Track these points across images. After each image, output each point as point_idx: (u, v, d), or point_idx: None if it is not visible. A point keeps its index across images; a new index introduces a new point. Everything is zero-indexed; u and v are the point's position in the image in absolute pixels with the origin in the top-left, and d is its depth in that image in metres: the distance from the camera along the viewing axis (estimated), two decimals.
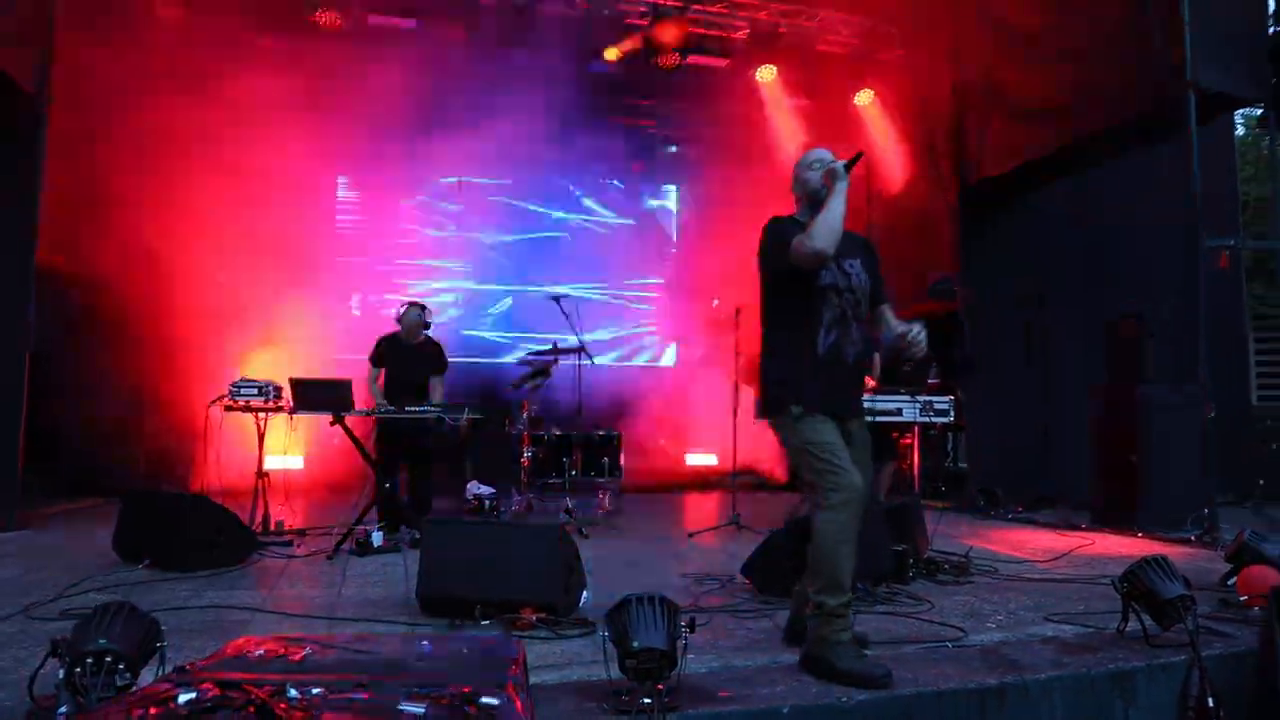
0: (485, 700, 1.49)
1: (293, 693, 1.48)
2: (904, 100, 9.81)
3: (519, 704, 1.55)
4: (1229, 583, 4.22)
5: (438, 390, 6.44)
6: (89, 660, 2.22)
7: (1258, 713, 3.12)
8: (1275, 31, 6.59)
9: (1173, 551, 5.60)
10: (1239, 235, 6.72)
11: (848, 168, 3.14)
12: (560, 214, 11.41)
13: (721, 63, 10.54)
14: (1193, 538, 5.98)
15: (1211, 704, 2.97)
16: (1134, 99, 6.57)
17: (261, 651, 1.87)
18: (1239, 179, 10.05)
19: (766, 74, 10.43)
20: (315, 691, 1.51)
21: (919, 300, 8.94)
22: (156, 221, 8.30)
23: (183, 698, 1.44)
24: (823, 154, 3.31)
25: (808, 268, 3.09)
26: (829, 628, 2.93)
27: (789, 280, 3.16)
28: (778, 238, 3.16)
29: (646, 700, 2.47)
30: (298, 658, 1.83)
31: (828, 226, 3.01)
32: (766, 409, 3.24)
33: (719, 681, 2.82)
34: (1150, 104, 6.41)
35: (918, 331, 3.18)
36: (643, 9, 9.74)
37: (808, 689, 2.76)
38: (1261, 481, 8.19)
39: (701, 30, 10.06)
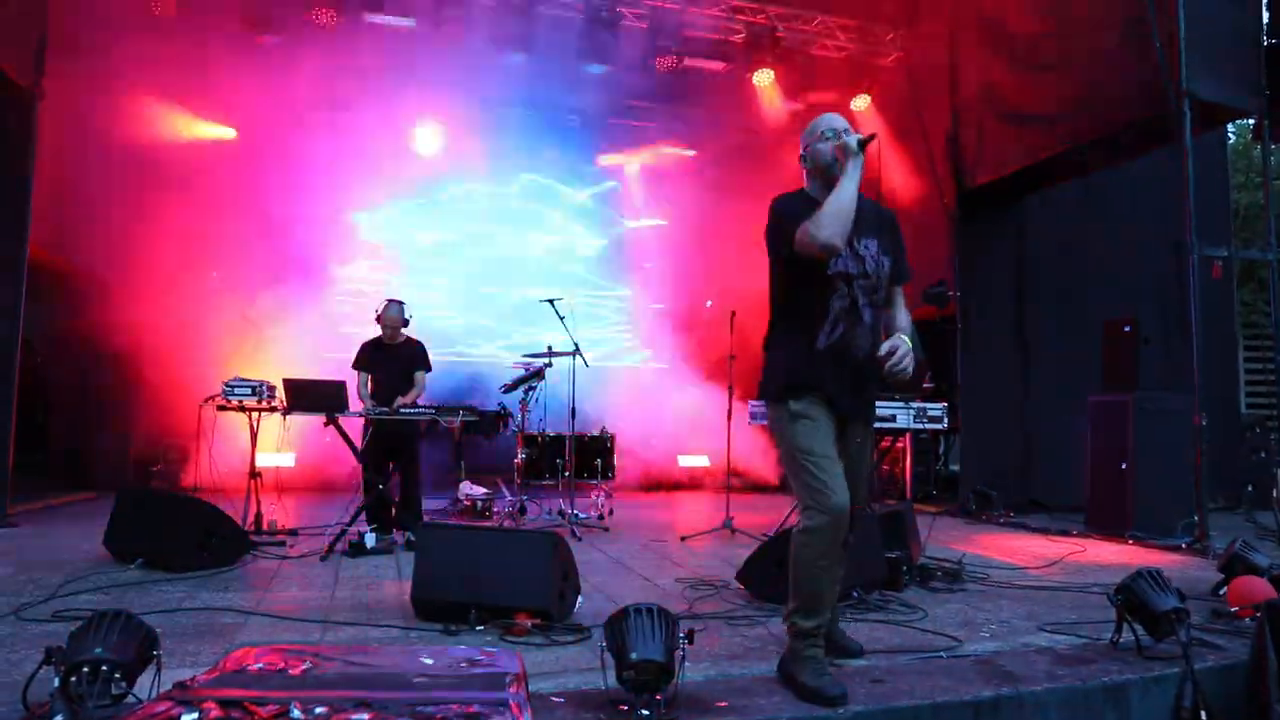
0: None
1: (296, 713, 1.47)
2: (901, 105, 9.82)
3: None
4: (1220, 592, 4.25)
5: (419, 386, 6.35)
6: (84, 669, 2.21)
7: None
8: (1269, 44, 6.61)
9: (1164, 559, 5.65)
10: (1230, 243, 6.73)
11: (862, 145, 2.78)
12: (548, 211, 11.39)
13: (719, 66, 10.55)
14: (1183, 545, 6.01)
15: (1204, 717, 2.99)
16: (1129, 108, 6.60)
17: (261, 665, 1.85)
18: (1230, 186, 10.11)
19: (764, 78, 10.43)
20: (318, 711, 1.50)
21: (914, 305, 8.96)
22: (146, 218, 8.24)
23: (185, 718, 1.42)
24: (835, 121, 2.92)
25: (815, 258, 2.77)
26: (801, 642, 2.88)
27: (793, 266, 2.84)
28: (781, 220, 2.83)
29: (644, 712, 2.46)
30: (297, 672, 1.82)
31: (836, 214, 2.66)
32: (765, 397, 3.01)
33: (716, 691, 2.81)
34: (1145, 113, 6.43)
35: (900, 355, 2.72)
36: (640, 10, 9.72)
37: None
38: (1250, 488, 8.25)
39: (699, 34, 10.04)
